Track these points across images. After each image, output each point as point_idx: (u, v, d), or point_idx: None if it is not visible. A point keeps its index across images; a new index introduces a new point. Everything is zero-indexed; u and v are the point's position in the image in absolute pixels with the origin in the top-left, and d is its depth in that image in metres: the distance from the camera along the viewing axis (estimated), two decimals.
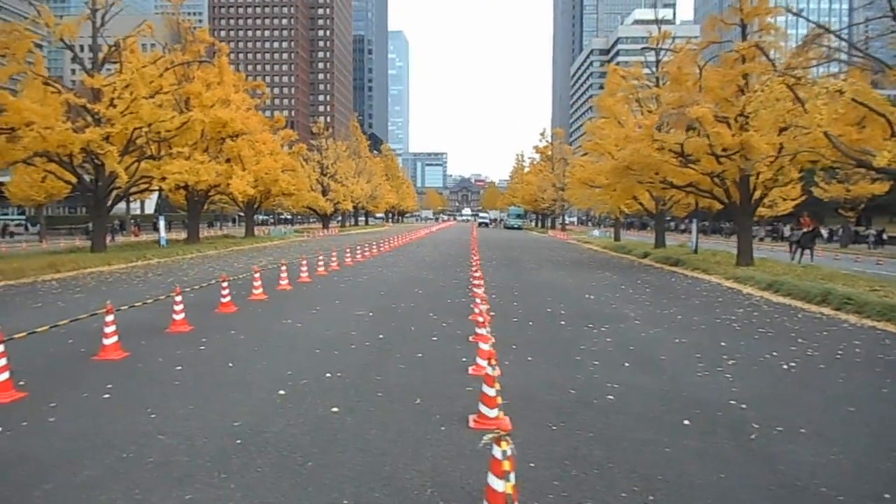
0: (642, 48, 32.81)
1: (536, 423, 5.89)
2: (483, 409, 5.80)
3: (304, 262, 18.70)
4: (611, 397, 6.78)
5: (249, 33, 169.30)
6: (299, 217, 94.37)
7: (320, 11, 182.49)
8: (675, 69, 25.73)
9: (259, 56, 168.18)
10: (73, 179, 27.24)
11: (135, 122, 26.03)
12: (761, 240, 50.21)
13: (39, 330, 8.07)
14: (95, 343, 8.82)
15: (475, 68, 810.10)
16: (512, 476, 3.48)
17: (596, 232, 57.47)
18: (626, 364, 8.32)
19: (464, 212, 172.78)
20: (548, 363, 8.30)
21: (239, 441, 5.30)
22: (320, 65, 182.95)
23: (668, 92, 25.33)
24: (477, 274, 20.45)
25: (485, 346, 7.75)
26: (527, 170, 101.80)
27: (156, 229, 47.18)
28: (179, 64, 30.86)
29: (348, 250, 25.41)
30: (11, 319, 11.24)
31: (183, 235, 42.82)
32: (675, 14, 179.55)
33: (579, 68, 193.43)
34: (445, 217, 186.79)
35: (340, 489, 4.40)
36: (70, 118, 25.22)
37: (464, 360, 8.35)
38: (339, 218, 78.90)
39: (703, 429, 5.78)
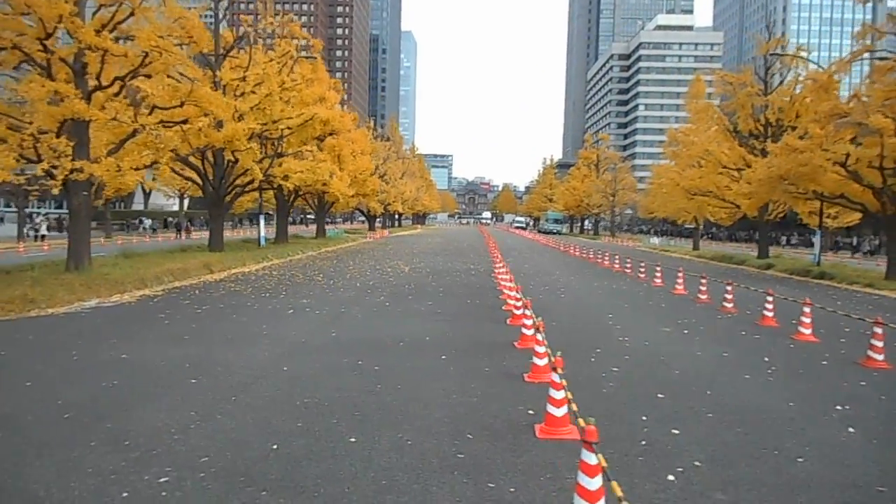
0: (774, 53, 32.01)
1: None
2: None
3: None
4: None
5: (269, 30, 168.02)
6: (335, 217, 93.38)
7: (339, 10, 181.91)
8: (826, 77, 25.12)
9: None
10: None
11: (262, 117, 25.33)
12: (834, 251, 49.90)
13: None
14: None
15: (482, 71, 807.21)
16: None
17: (655, 240, 56.83)
18: None
19: (484, 214, 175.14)
20: None
21: None
22: (338, 63, 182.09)
23: (819, 101, 24.68)
24: (659, 281, 19.93)
25: None
26: (554, 176, 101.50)
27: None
28: (294, 60, 30.06)
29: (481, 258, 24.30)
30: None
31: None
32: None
33: (597, 73, 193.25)
34: (465, 220, 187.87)
35: None
36: None
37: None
38: (381, 219, 78.10)
39: None
